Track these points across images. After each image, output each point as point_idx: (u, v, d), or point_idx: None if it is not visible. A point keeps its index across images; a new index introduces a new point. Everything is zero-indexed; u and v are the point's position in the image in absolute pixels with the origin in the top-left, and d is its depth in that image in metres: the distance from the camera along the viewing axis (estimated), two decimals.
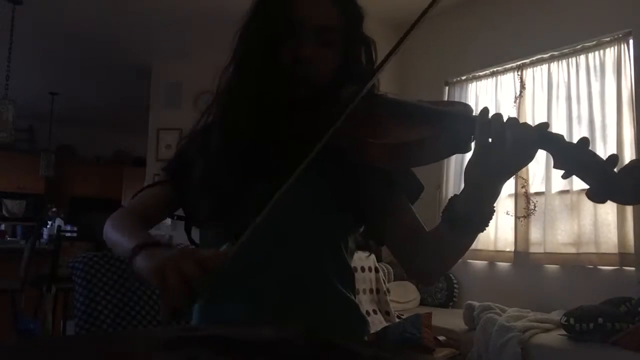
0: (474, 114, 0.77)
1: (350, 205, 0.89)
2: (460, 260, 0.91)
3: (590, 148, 0.67)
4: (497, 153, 0.71)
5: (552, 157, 0.69)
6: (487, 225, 0.82)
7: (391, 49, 0.77)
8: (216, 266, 0.65)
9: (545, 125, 0.71)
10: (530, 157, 0.71)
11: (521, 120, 0.73)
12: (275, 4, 0.88)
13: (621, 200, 0.67)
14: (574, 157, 0.67)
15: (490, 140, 0.72)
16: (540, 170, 3.26)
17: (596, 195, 0.67)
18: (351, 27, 0.91)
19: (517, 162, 0.72)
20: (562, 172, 0.69)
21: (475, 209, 0.79)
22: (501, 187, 0.78)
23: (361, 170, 0.88)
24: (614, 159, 0.66)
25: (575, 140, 0.68)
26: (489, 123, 0.71)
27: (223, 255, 0.66)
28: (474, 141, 0.74)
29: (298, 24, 0.86)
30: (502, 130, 0.70)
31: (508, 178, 0.77)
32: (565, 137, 0.69)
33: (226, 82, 0.92)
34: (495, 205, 0.80)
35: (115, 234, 0.84)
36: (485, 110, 0.73)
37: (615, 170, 0.66)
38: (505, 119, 0.72)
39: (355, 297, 0.96)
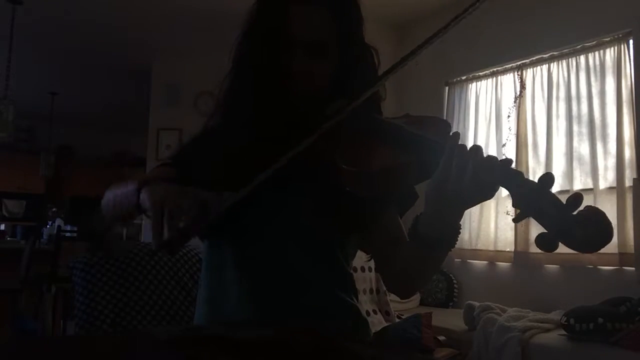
0: (450, 133, 0.75)
1: (342, 214, 0.89)
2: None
3: (551, 190, 0.64)
4: (454, 184, 0.70)
5: (511, 196, 0.67)
6: (453, 245, 0.80)
7: (387, 70, 0.79)
8: (213, 207, 0.68)
9: (507, 162, 0.68)
10: (488, 194, 0.70)
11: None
12: (267, 19, 0.88)
13: (572, 247, 0.64)
14: (532, 198, 0.64)
15: (451, 170, 0.70)
16: (540, 169, 3.25)
17: (549, 243, 0.64)
18: (348, 37, 0.90)
19: (474, 197, 0.71)
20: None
21: (436, 230, 0.78)
22: (461, 214, 0.77)
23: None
24: (576, 201, 0.62)
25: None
26: (451, 158, 0.70)
27: (222, 199, 0.69)
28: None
29: (288, 40, 0.86)
30: (464, 166, 0.68)
31: (467, 208, 0.75)
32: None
33: (224, 95, 0.93)
34: (460, 224, 0.79)
35: (116, 190, 0.87)
36: (451, 145, 0.71)
37: (573, 214, 0.62)
38: (472, 154, 0.69)
39: (357, 300, 0.96)
